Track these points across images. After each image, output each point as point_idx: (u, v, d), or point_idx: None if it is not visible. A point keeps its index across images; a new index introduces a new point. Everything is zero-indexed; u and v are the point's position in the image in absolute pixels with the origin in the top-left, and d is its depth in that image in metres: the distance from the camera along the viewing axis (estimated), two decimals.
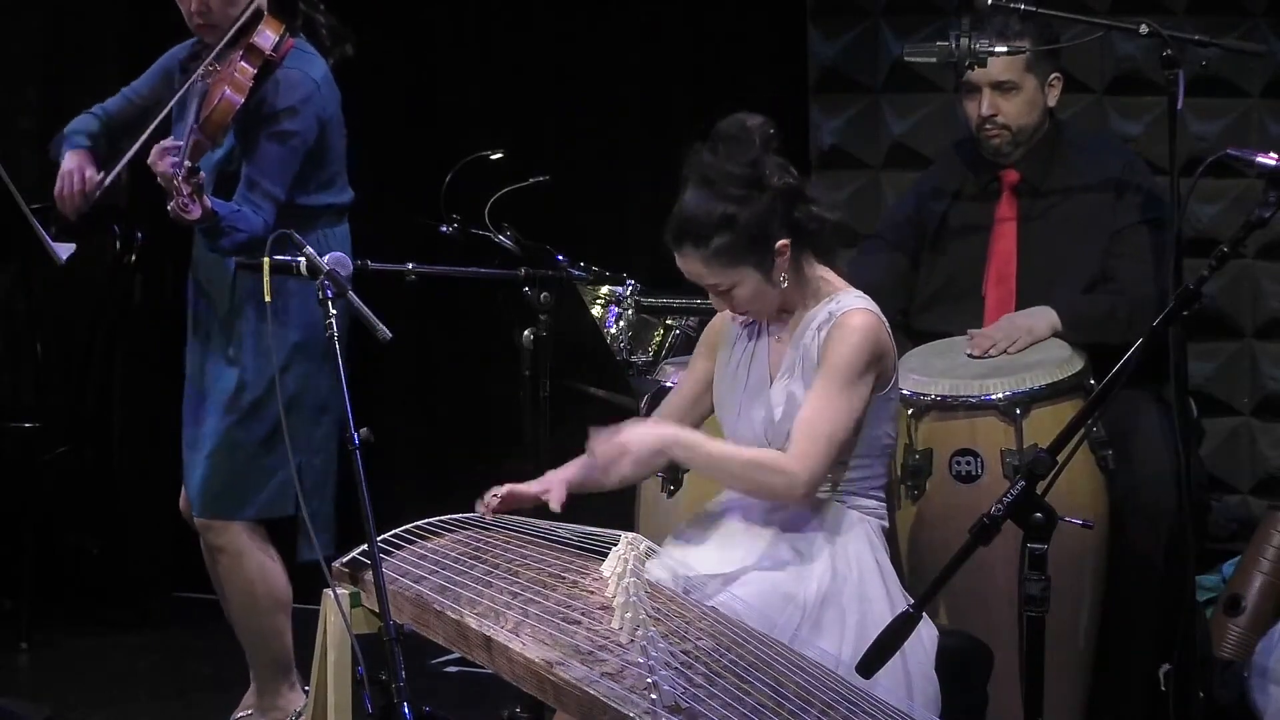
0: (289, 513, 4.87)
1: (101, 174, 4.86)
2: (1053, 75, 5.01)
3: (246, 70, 4.72)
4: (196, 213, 4.55)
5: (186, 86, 4.81)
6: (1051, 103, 5.03)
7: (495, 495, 4.10)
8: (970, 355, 4.77)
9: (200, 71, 4.82)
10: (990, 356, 4.74)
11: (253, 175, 4.77)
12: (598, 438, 3.95)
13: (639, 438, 3.95)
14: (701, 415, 4.22)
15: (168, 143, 4.63)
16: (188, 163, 4.53)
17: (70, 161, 4.90)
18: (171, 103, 4.83)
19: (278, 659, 5.02)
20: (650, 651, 3.55)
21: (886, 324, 4.05)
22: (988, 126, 4.99)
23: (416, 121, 6.60)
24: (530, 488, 4.11)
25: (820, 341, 4.00)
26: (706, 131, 4.05)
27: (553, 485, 4.10)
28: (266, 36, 4.76)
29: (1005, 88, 4.96)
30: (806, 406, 3.96)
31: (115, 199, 4.86)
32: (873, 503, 4.08)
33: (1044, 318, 4.82)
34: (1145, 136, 5.81)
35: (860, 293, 4.08)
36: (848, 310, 4.01)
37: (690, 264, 4.02)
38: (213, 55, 4.80)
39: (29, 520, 6.27)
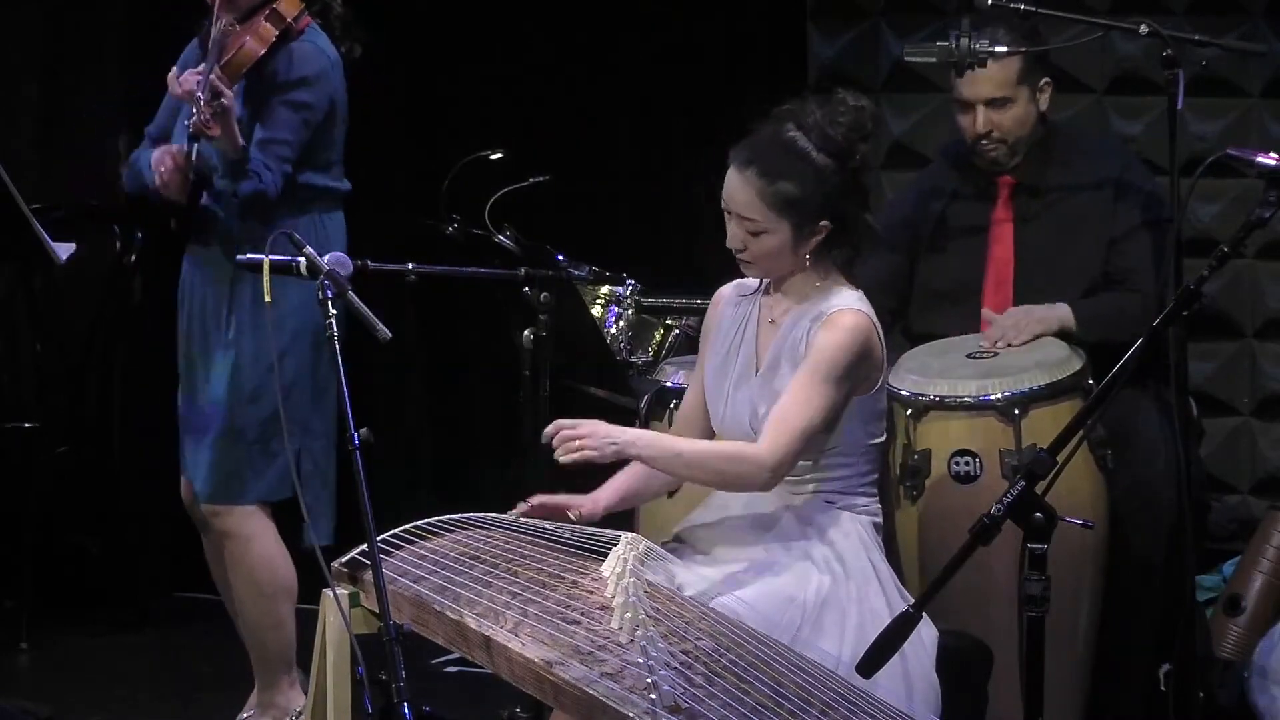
0: (291, 495, 4.88)
1: (186, 145, 4.81)
2: (1043, 81, 4.99)
3: (269, 29, 4.82)
4: (217, 130, 4.69)
5: (212, 39, 4.81)
6: (1043, 107, 5.02)
7: (528, 503, 4.10)
8: (981, 347, 4.77)
9: (221, 29, 4.84)
10: (999, 349, 4.74)
11: (265, 136, 4.82)
12: (559, 431, 3.92)
13: (597, 446, 3.89)
14: None
15: (188, 71, 4.76)
16: (211, 86, 4.65)
17: (154, 155, 4.87)
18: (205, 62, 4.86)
19: (279, 651, 5.01)
20: (650, 652, 3.55)
21: (879, 329, 4.05)
22: (984, 142, 4.99)
23: (416, 121, 6.60)
24: (563, 500, 4.11)
25: (809, 337, 4.00)
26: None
27: (588, 507, 4.11)
28: (286, 8, 4.85)
29: (998, 104, 4.95)
30: (784, 397, 3.95)
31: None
32: (863, 499, 4.08)
33: (1056, 311, 4.82)
34: (1145, 136, 5.81)
35: (861, 295, 4.07)
36: (840, 309, 4.00)
37: (741, 188, 3.99)
38: (233, 19, 4.84)
39: (29, 520, 6.26)
